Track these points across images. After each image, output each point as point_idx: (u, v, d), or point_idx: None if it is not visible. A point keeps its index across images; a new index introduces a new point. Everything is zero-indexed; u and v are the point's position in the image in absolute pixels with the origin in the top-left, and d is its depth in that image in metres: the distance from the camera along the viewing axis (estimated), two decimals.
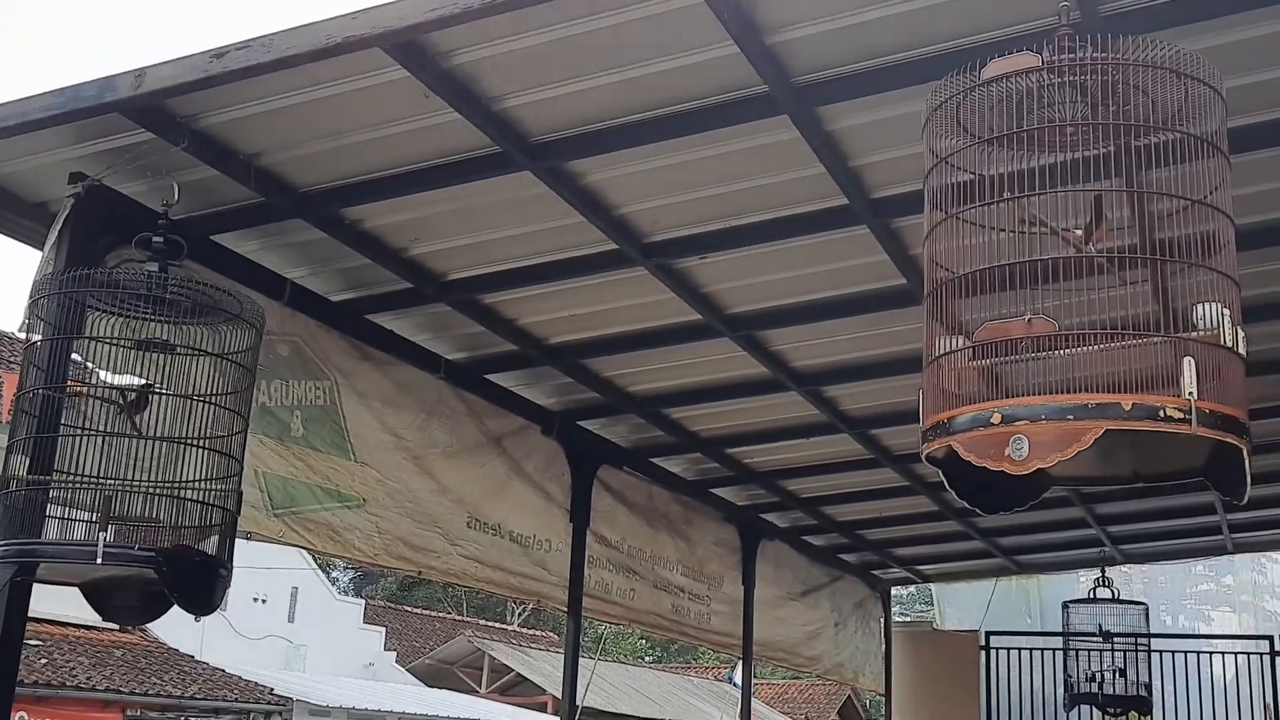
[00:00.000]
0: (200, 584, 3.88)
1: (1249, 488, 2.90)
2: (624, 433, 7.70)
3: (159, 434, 3.91)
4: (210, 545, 3.96)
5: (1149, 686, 11.52)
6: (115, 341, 4.08)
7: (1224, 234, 3.04)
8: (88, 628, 17.25)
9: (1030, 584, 13.72)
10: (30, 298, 4.00)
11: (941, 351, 3.06)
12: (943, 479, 3.22)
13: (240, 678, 17.91)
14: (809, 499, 9.67)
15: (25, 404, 3.88)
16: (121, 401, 3.97)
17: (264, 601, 23.71)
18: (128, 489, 3.86)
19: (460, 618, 32.99)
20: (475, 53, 3.97)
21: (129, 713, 15.46)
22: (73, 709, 14.67)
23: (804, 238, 5.15)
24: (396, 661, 26.99)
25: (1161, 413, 2.73)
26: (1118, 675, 11.34)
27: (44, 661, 14.94)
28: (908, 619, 18.57)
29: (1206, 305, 2.89)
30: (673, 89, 4.18)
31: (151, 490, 3.86)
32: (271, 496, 5.20)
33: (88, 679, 15.05)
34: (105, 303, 4.10)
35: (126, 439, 3.93)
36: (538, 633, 33.36)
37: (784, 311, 5.94)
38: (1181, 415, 2.73)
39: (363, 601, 28.14)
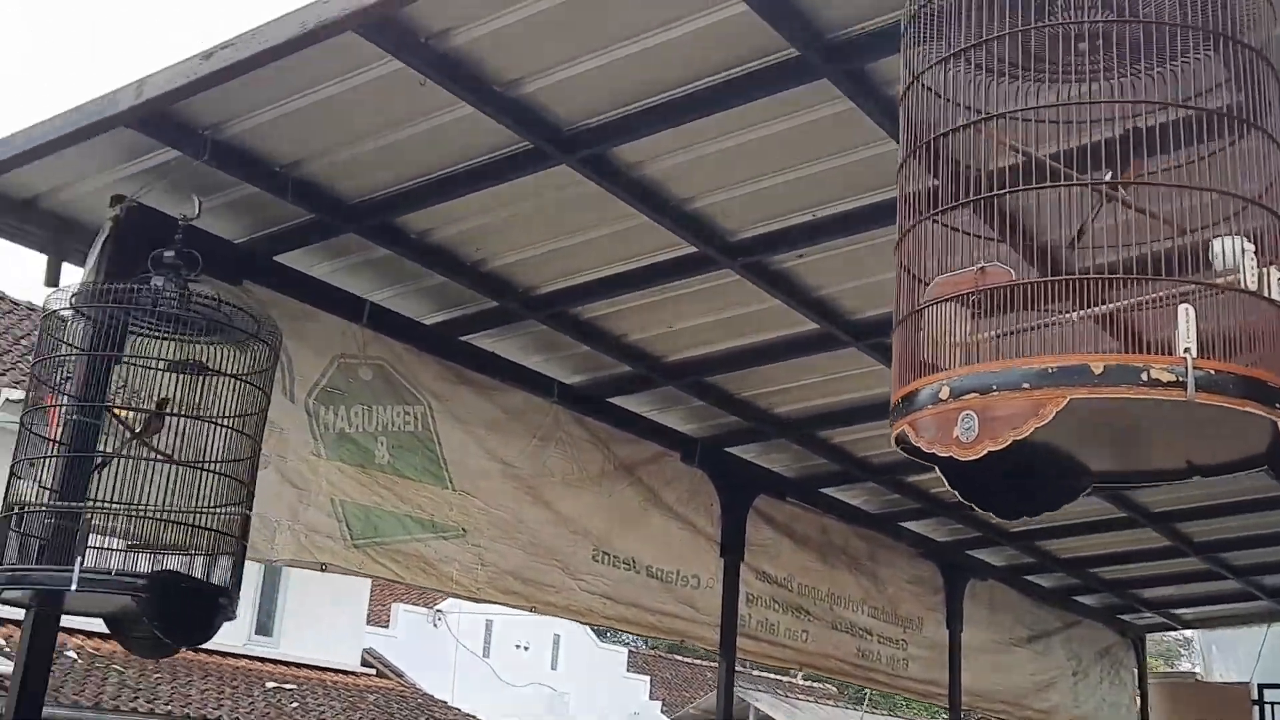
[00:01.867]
0: (190, 613, 3.66)
1: None
2: (785, 460, 7.19)
3: (158, 457, 3.74)
4: (216, 573, 3.76)
5: None
6: (133, 360, 3.96)
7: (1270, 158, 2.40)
8: (344, 672, 17.76)
9: None
10: (42, 314, 3.93)
11: (907, 310, 2.52)
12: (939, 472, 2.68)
13: None
14: (1020, 533, 8.83)
15: (28, 422, 3.78)
16: (133, 425, 3.84)
17: (526, 649, 23.93)
18: (130, 514, 3.71)
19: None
20: (472, 30, 3.67)
21: None
22: None
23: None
24: (662, 710, 26.75)
25: (1145, 375, 2.13)
26: None
27: (295, 705, 15.42)
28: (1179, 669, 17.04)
29: (1222, 240, 2.26)
30: (697, 59, 3.77)
31: (147, 515, 3.69)
32: (350, 526, 4.99)
33: None
34: (136, 321, 3.99)
35: (131, 462, 3.79)
36: (814, 684, 32.47)
37: None
38: (1172, 378, 2.12)
39: (626, 649, 28.08)
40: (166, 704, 13.84)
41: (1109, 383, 2.14)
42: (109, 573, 3.54)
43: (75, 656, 14.25)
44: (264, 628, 17.43)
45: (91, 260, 4.25)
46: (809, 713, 25.91)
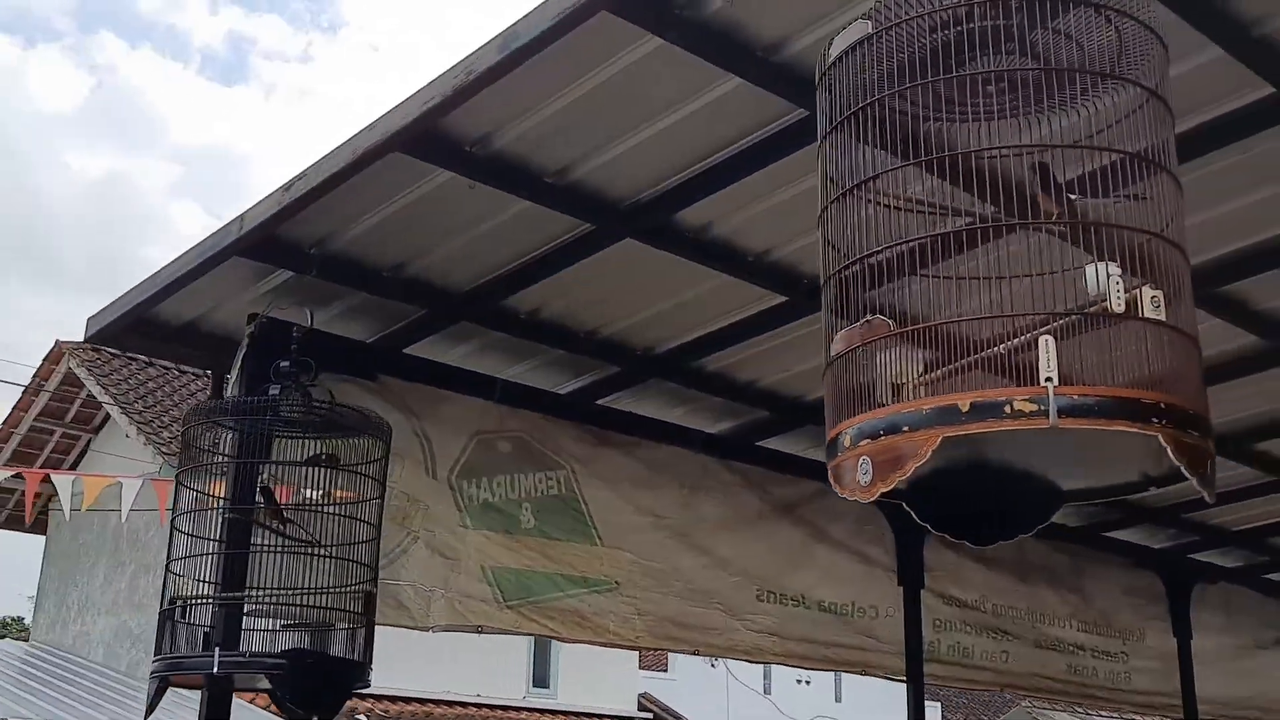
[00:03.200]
0: (320, 685, 4.07)
1: (1198, 480, 2.30)
2: None
3: (281, 546, 4.19)
4: (339, 648, 4.17)
5: None
6: (270, 461, 4.44)
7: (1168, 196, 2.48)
8: (621, 718, 18.30)
9: None
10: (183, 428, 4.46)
11: (837, 351, 2.66)
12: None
13: None
14: (1248, 531, 8.46)
15: (180, 523, 4.30)
16: (263, 519, 4.31)
17: (808, 683, 23.97)
18: (266, 599, 4.17)
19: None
20: (508, 132, 4.00)
21: None
22: None
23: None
24: None
25: (1008, 408, 2.24)
26: None
27: None
28: None
29: (1092, 267, 2.34)
30: (721, 127, 3.98)
31: (281, 600, 4.15)
32: (502, 589, 5.34)
33: None
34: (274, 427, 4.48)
35: (269, 552, 4.25)
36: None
37: None
38: (1035, 408, 2.22)
39: None
40: None
41: (975, 419, 2.25)
42: (245, 655, 4.00)
43: (365, 719, 15.27)
44: (541, 680, 18.20)
45: (233, 374, 4.78)
46: None
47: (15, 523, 17.17)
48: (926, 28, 2.71)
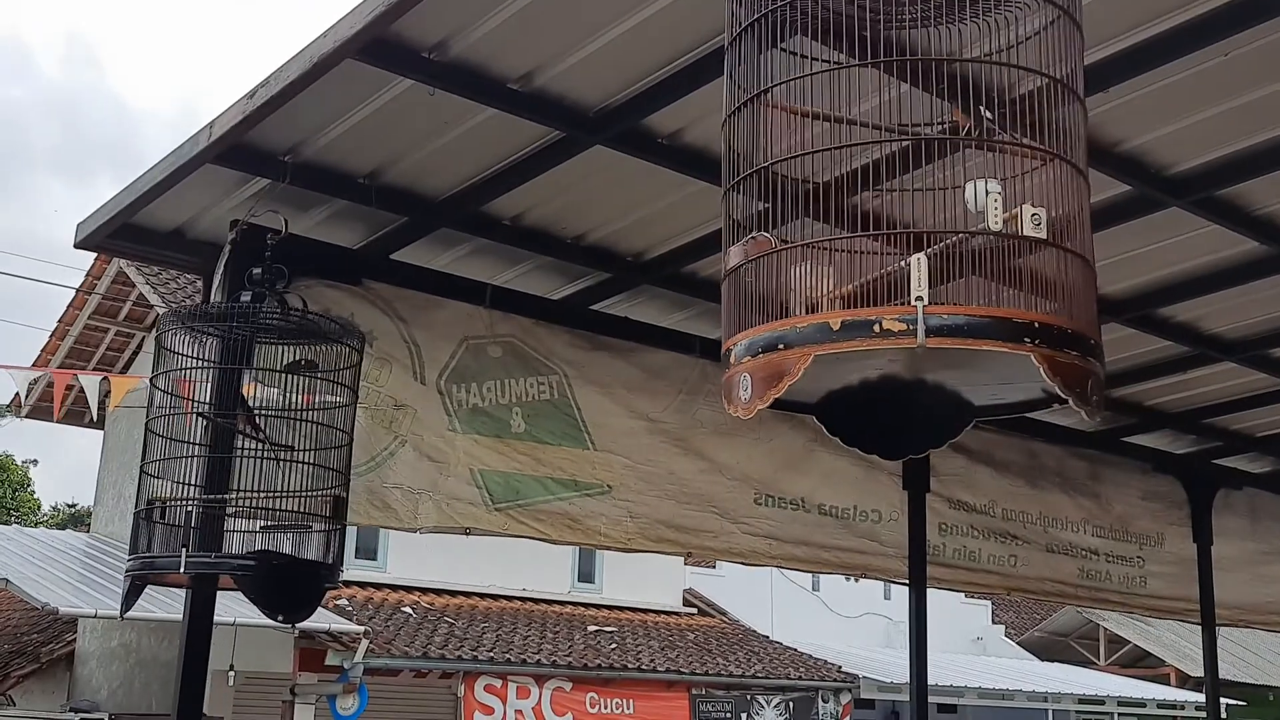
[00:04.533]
0: (288, 587, 4.16)
1: (1074, 400, 2.28)
2: None
3: (250, 451, 4.27)
4: (309, 551, 4.25)
5: None
6: (247, 367, 4.51)
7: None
8: (665, 613, 18.56)
9: None
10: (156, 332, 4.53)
11: (731, 265, 2.64)
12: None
13: (810, 655, 18.40)
14: (1275, 437, 8.34)
15: (156, 426, 4.38)
16: (239, 425, 4.38)
17: (856, 581, 24.09)
18: (241, 501, 4.26)
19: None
20: (466, 38, 3.95)
21: (694, 691, 16.45)
22: (639, 689, 15.87)
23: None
24: (1006, 635, 26.36)
25: (877, 327, 2.22)
26: None
27: (613, 646, 16.28)
28: None
29: (972, 184, 2.29)
30: (688, 27, 3.90)
31: (254, 502, 4.23)
32: (491, 492, 5.41)
33: (651, 661, 16.20)
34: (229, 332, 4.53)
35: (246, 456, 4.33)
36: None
37: None
38: (903, 327, 2.20)
39: None
40: (490, 650, 14.97)
41: (846, 337, 2.24)
42: (211, 556, 4.10)
43: (410, 612, 15.63)
44: (586, 575, 18.48)
45: (217, 280, 4.83)
46: (1164, 630, 24.90)
47: (75, 418, 17.60)
48: None
